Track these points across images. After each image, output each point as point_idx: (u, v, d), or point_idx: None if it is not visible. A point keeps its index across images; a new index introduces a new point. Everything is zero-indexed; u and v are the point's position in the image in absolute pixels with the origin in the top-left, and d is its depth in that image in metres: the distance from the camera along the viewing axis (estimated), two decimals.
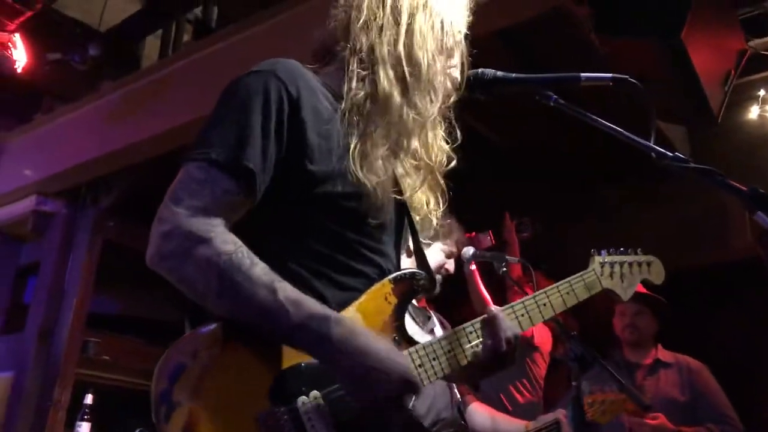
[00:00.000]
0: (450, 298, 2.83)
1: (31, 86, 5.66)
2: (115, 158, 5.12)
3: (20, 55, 5.33)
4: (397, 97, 1.41)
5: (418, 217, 1.54)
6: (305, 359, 1.23)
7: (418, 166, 1.48)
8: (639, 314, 3.69)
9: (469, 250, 3.22)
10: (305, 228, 1.35)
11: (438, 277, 2.53)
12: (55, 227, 5.52)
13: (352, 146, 1.37)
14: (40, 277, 5.46)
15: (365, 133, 1.39)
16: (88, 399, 4.13)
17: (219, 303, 1.24)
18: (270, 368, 1.22)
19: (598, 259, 1.72)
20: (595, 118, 1.49)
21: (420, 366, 1.35)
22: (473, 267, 3.60)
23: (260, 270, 1.22)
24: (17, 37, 5.25)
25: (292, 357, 1.23)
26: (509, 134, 4.42)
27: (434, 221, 1.55)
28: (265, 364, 1.22)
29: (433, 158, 1.50)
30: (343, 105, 1.40)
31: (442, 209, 1.56)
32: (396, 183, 1.46)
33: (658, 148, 1.33)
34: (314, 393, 1.22)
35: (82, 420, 4.09)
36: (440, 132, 1.52)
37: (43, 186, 5.52)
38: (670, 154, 1.30)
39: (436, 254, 2.52)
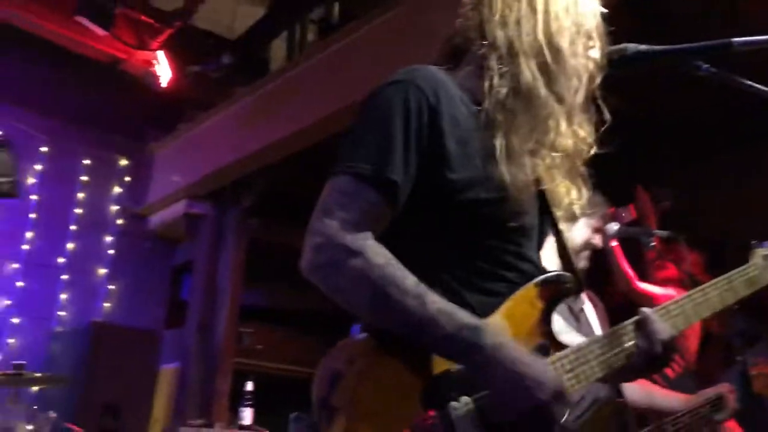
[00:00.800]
0: (595, 273, 2.80)
1: (173, 98, 6.08)
2: (252, 159, 5.41)
3: (164, 71, 5.74)
4: (541, 88, 1.37)
5: (560, 212, 1.49)
6: (455, 365, 1.25)
7: (561, 157, 1.43)
8: None
9: (612, 226, 3.14)
10: (448, 236, 1.35)
11: (585, 252, 2.50)
12: (204, 228, 5.93)
13: (498, 145, 1.34)
14: (194, 275, 5.88)
15: (510, 130, 1.36)
16: (249, 386, 4.40)
17: (371, 314, 1.28)
18: (421, 375, 1.24)
19: (760, 251, 1.59)
20: (750, 83, 1.42)
21: (570, 371, 1.33)
22: (614, 243, 3.52)
23: (411, 282, 1.24)
24: (161, 54, 5.66)
25: (442, 363, 1.25)
26: (641, 104, 4.27)
27: (577, 212, 1.50)
28: (416, 370, 1.24)
29: (578, 147, 1.44)
30: (485, 104, 1.37)
31: (585, 199, 1.49)
32: (538, 179, 1.42)
33: None
34: (465, 398, 1.23)
35: (245, 406, 4.37)
36: (584, 118, 1.46)
37: (192, 190, 5.93)
38: None
39: (582, 230, 2.49)
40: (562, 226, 1.50)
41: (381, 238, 1.29)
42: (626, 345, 1.38)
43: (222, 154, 5.62)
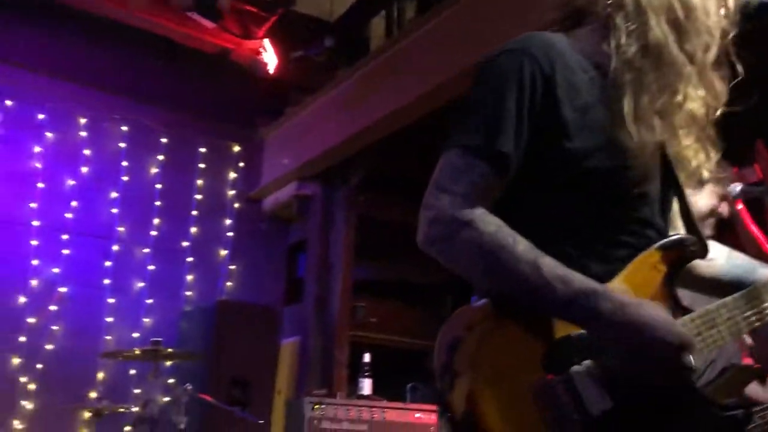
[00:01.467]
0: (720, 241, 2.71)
1: (280, 84, 6.30)
2: (357, 139, 5.53)
3: (270, 58, 5.95)
4: (672, 45, 1.32)
5: (684, 175, 1.44)
6: (576, 329, 1.24)
7: (690, 118, 1.37)
8: None
9: (735, 187, 3.01)
10: (568, 206, 1.34)
11: (711, 220, 2.40)
12: (315, 207, 6.14)
13: (626, 105, 1.31)
14: (308, 253, 6.11)
15: (639, 90, 1.32)
16: (367, 358, 4.58)
17: (486, 281, 1.30)
18: (542, 339, 1.25)
19: None
20: None
21: (697, 335, 1.29)
22: (740, 206, 3.36)
23: (524, 247, 1.25)
24: (267, 42, 5.87)
25: (563, 327, 1.25)
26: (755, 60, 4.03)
27: (704, 176, 1.44)
28: (536, 334, 1.25)
29: (707, 108, 1.39)
30: (612, 64, 1.34)
31: (712, 162, 1.43)
32: (663, 143, 1.37)
33: None
34: (587, 362, 1.22)
35: (364, 377, 4.55)
36: (716, 76, 1.39)
37: (301, 172, 6.14)
38: None
39: (708, 197, 2.39)
40: (688, 190, 1.46)
41: (502, 211, 1.30)
42: (757, 308, 1.33)
43: (328, 135, 5.78)
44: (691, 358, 1.20)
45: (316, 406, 4.16)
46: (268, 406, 5.42)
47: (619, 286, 1.29)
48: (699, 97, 1.37)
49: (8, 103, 5.61)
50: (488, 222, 1.27)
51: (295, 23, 6.12)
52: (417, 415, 4.34)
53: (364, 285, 6.02)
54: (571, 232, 1.33)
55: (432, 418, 4.35)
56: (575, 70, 1.36)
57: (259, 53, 5.93)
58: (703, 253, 1.39)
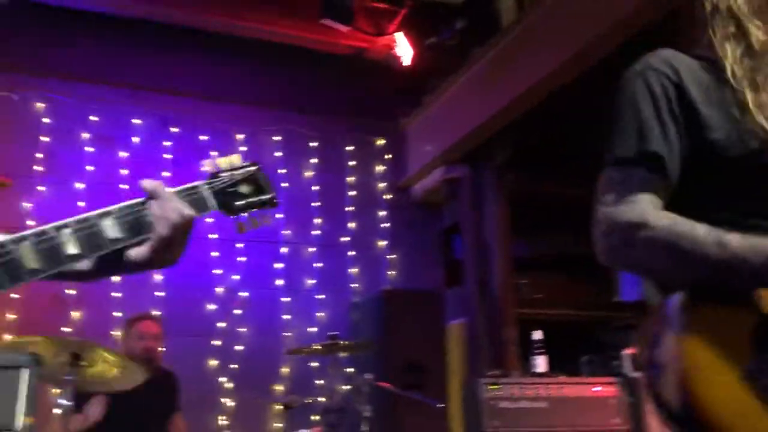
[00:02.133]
0: None
1: (416, 74, 6.40)
2: (497, 117, 5.52)
3: (405, 50, 6.07)
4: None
5: None
6: None
7: None
8: None
9: None
10: (728, 195, 1.38)
11: None
12: (464, 190, 6.20)
13: (749, 100, 1.38)
14: (463, 235, 6.19)
15: (755, 86, 1.40)
16: (538, 335, 4.59)
17: (676, 274, 1.32)
18: (747, 318, 1.24)
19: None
20: None
21: None
22: None
23: (702, 231, 1.27)
24: (399, 36, 5.98)
25: (761, 308, 1.24)
26: None
27: None
28: (740, 315, 1.25)
29: None
30: (726, 66, 1.43)
31: None
32: None
33: None
34: None
35: (537, 354, 4.56)
36: None
37: (446, 157, 6.22)
38: None
39: None
40: None
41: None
42: None
43: (468, 117, 5.81)
44: None
45: (493, 387, 4.22)
46: (442, 388, 5.57)
47: None
48: None
49: (173, 129, 6.13)
50: (661, 217, 1.32)
51: (425, 11, 6.17)
52: (595, 388, 4.30)
53: (525, 262, 6.00)
54: (738, 216, 1.36)
55: (610, 390, 4.30)
56: (699, 72, 1.44)
57: (392, 48, 6.06)
58: None
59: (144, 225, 1.34)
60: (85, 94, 5.86)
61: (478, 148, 5.97)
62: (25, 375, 2.81)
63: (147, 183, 1.37)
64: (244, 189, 1.51)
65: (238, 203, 1.47)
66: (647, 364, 1.31)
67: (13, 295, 5.16)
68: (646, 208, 1.34)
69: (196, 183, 1.46)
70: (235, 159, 1.55)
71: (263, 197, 1.50)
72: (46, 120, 5.75)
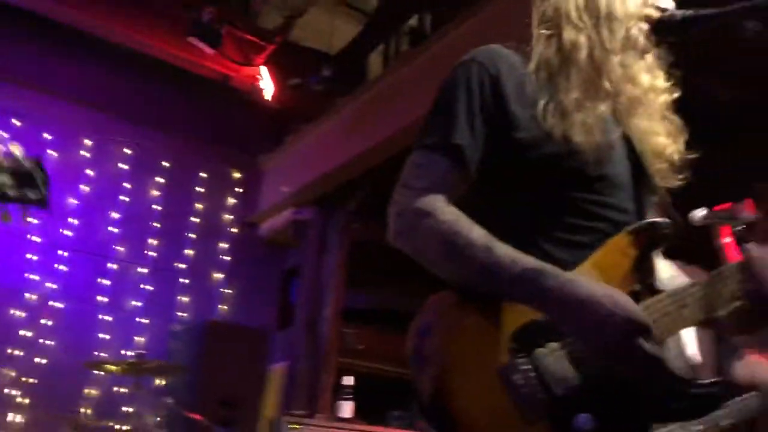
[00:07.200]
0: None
1: (280, 112, 6.45)
2: (353, 164, 5.64)
3: (267, 85, 6.12)
4: (582, 39, 1.43)
5: (659, 163, 1.49)
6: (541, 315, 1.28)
7: (633, 103, 1.47)
8: None
9: (697, 213, 2.99)
10: (531, 197, 1.41)
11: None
12: (310, 233, 6.22)
13: (542, 102, 1.40)
14: (301, 277, 6.18)
15: (553, 86, 1.42)
16: (348, 380, 4.55)
17: (446, 268, 1.35)
18: (507, 324, 1.28)
19: None
20: None
21: (666, 315, 1.28)
22: (726, 239, 3.29)
23: (477, 233, 1.31)
24: (264, 70, 6.04)
25: (527, 313, 1.28)
26: (736, 86, 4.05)
27: (674, 157, 1.49)
28: (501, 320, 1.29)
29: (652, 92, 1.49)
30: (532, 66, 1.45)
31: (679, 144, 1.50)
32: (625, 132, 1.46)
33: None
34: (551, 345, 1.25)
35: (344, 399, 4.53)
36: (650, 64, 1.50)
37: (298, 198, 6.25)
38: None
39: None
40: (653, 172, 1.49)
41: (473, 213, 1.37)
42: (731, 287, 1.29)
43: (325, 162, 5.90)
44: (643, 340, 1.19)
45: (294, 426, 4.17)
46: (253, 427, 5.42)
47: (586, 270, 1.31)
48: (626, 82, 1.45)
49: (15, 122, 5.79)
50: (447, 212, 1.35)
51: (295, 54, 6.29)
52: None
53: (354, 312, 6.05)
54: (539, 223, 1.39)
55: None
56: (520, 69, 1.46)
57: (257, 80, 6.10)
58: (677, 236, 1.39)
59: None
60: None
61: (330, 193, 6.04)
62: None
63: None
64: (5, 179, 1.44)
65: None
66: (412, 354, 1.32)
67: None
68: (437, 199, 1.36)
69: None
70: (15, 148, 1.48)
71: (30, 194, 1.43)
72: None
